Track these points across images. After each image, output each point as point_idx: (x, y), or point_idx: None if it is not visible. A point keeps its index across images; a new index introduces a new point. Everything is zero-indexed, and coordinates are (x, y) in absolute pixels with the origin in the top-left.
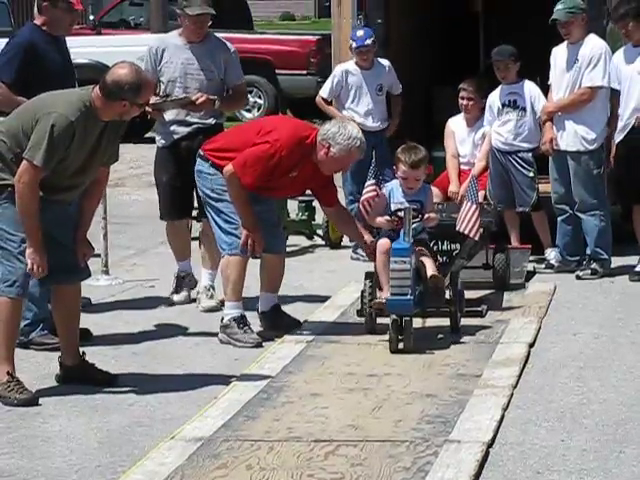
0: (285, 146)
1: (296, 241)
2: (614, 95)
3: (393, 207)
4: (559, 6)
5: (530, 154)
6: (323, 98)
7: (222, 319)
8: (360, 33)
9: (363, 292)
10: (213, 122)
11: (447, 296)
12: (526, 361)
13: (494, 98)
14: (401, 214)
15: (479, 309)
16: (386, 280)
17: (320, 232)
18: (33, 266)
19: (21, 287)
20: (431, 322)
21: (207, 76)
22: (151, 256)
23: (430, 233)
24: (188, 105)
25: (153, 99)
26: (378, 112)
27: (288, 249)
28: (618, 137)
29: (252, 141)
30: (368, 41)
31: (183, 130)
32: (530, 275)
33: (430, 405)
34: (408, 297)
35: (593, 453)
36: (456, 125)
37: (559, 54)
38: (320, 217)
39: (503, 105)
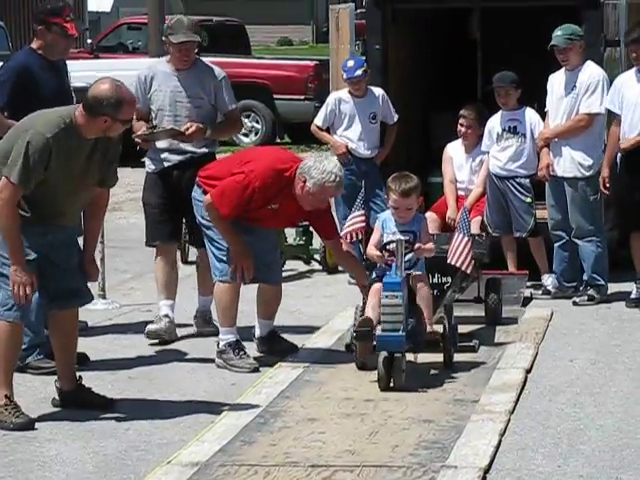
0: (259, 178)
1: (293, 266)
2: (615, 118)
3: (385, 239)
4: (558, 32)
5: (528, 180)
6: (318, 126)
7: (218, 344)
8: (350, 64)
9: (353, 326)
10: (206, 151)
11: (440, 330)
12: (523, 387)
13: (494, 124)
14: (392, 247)
15: (471, 344)
16: (374, 312)
17: (317, 257)
18: (15, 286)
19: (19, 311)
20: (423, 357)
21: (196, 104)
22: (148, 280)
23: None
24: (178, 136)
25: (141, 130)
26: (370, 140)
27: (285, 274)
28: (617, 160)
29: (231, 171)
30: (358, 72)
31: (175, 158)
32: (527, 301)
33: (427, 430)
34: (400, 333)
35: (590, 479)
36: (454, 151)
37: (556, 80)
38: (317, 242)
39: (503, 130)
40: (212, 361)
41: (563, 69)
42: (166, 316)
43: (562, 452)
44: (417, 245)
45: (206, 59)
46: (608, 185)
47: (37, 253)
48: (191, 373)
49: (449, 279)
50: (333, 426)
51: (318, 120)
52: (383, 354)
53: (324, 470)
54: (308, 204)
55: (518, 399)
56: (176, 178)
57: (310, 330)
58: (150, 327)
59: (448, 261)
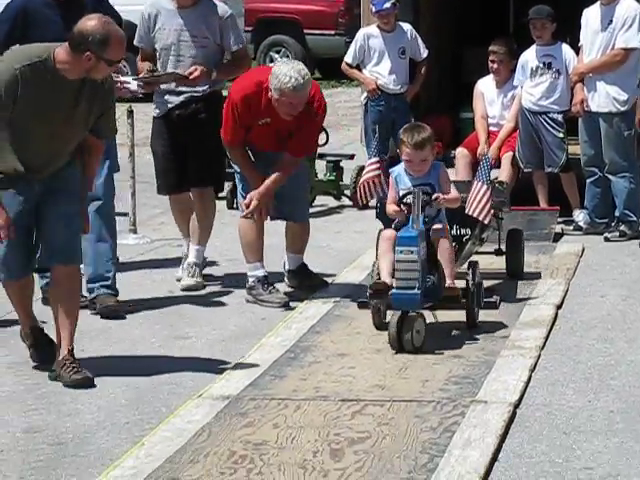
0: (237, 94)
1: (324, 201)
2: None
3: (401, 193)
4: None
5: (561, 115)
6: (348, 63)
7: (247, 281)
8: None
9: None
10: (208, 90)
11: (463, 286)
12: (554, 322)
13: (527, 58)
14: (409, 199)
15: (492, 300)
16: (387, 266)
17: (348, 193)
18: None
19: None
20: (444, 316)
21: (201, 43)
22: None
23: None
24: (181, 79)
25: (142, 73)
26: (400, 75)
27: (315, 209)
28: None
29: None
30: (387, 4)
31: (175, 99)
32: (558, 237)
33: (457, 366)
34: (415, 291)
35: (620, 414)
36: (485, 86)
37: (591, 15)
38: (348, 178)
39: (537, 66)
40: (242, 297)
41: (598, 3)
42: (194, 265)
43: (593, 387)
44: (435, 195)
45: None
46: None
47: (27, 204)
48: (222, 308)
49: (468, 230)
50: (363, 361)
51: (348, 57)
52: (397, 313)
53: (354, 404)
54: (282, 112)
55: (549, 335)
56: (177, 119)
57: (340, 265)
58: (183, 283)
59: (466, 211)
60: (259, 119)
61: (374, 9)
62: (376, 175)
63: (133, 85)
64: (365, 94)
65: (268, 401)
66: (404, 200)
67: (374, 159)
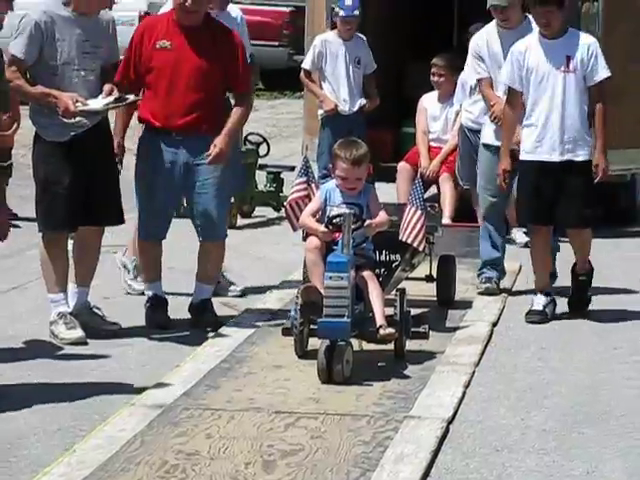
0: (134, 32)
1: (263, 212)
2: None
3: (329, 212)
4: None
5: None
6: (306, 70)
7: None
8: (348, 2)
9: (293, 309)
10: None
11: (392, 314)
12: (489, 340)
13: (467, 77)
14: (338, 221)
15: (421, 330)
16: (319, 274)
17: None
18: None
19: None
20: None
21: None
22: None
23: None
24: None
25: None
26: (356, 85)
27: (255, 220)
28: None
29: None
30: (356, 12)
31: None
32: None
33: (391, 381)
34: (345, 319)
35: (552, 433)
36: (429, 102)
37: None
38: (288, 189)
39: (476, 85)
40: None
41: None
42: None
43: (526, 405)
44: (367, 222)
45: None
46: None
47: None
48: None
49: (398, 256)
50: (298, 373)
51: (306, 64)
52: (325, 342)
53: (288, 416)
54: (185, 12)
55: (484, 352)
56: (83, 148)
57: (278, 277)
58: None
59: (400, 237)
60: (157, 42)
61: (342, 13)
62: (303, 196)
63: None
64: (322, 111)
65: (202, 411)
66: (333, 221)
67: (301, 179)
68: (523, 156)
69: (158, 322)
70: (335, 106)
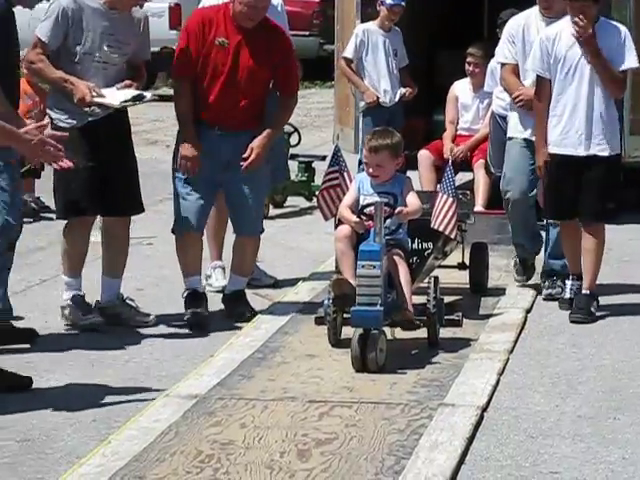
0: (189, 22)
1: (295, 202)
2: None
3: (362, 201)
4: None
5: None
6: (347, 59)
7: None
8: None
9: (326, 298)
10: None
11: (426, 302)
12: (523, 327)
13: (497, 64)
14: (370, 210)
15: (455, 317)
16: (349, 265)
17: None
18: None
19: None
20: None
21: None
22: (150, 213)
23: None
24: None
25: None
26: (395, 76)
27: (287, 210)
28: None
29: None
30: (403, 2)
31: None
32: None
33: (426, 369)
34: (378, 308)
35: (587, 419)
36: (460, 90)
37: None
38: (320, 179)
39: None
40: (217, 296)
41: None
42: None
43: (560, 392)
44: (398, 209)
45: None
46: None
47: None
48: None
49: (430, 244)
50: (331, 362)
51: (348, 53)
52: (358, 331)
53: (322, 405)
54: (244, 18)
55: (517, 339)
56: (101, 134)
57: (311, 266)
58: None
59: (432, 225)
60: (216, 40)
61: (390, 1)
62: (335, 185)
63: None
64: (363, 103)
65: (236, 401)
66: (365, 211)
67: (333, 168)
68: (550, 149)
69: (197, 321)
70: (377, 98)
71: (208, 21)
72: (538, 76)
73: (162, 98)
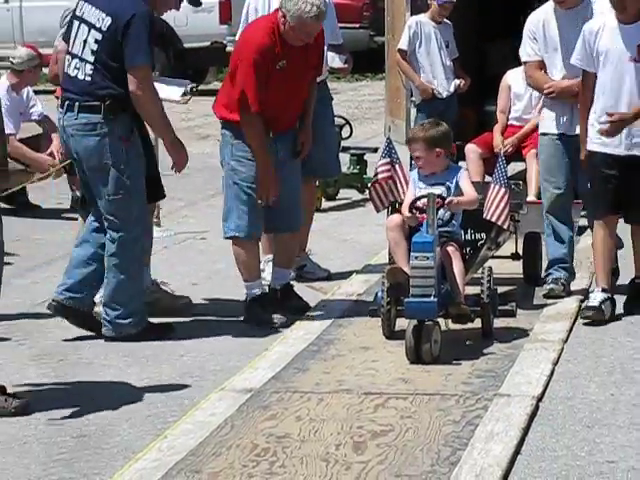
0: (252, 52)
1: (348, 194)
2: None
3: (416, 194)
4: None
5: None
6: (402, 50)
7: (245, 299)
8: None
9: (380, 290)
10: None
11: (479, 293)
12: (577, 316)
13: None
14: (422, 202)
15: (508, 308)
16: (403, 254)
17: None
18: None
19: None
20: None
21: None
22: (202, 208)
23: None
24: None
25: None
26: (449, 68)
27: (340, 202)
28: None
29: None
30: None
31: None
32: (582, 230)
33: (480, 359)
34: (432, 299)
35: None
36: (513, 79)
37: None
38: (372, 171)
39: None
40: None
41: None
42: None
43: (615, 381)
44: (448, 199)
45: None
46: None
47: None
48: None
49: (483, 235)
50: (386, 354)
51: (403, 44)
52: (412, 322)
53: (377, 397)
54: (296, 39)
55: (572, 328)
56: None
57: (364, 258)
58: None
59: (484, 216)
60: (276, 63)
61: None
62: (387, 177)
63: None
64: (418, 97)
65: (291, 394)
66: (417, 203)
67: (385, 160)
68: (590, 146)
69: (277, 320)
70: (432, 91)
71: (270, 49)
72: (583, 70)
73: (213, 93)
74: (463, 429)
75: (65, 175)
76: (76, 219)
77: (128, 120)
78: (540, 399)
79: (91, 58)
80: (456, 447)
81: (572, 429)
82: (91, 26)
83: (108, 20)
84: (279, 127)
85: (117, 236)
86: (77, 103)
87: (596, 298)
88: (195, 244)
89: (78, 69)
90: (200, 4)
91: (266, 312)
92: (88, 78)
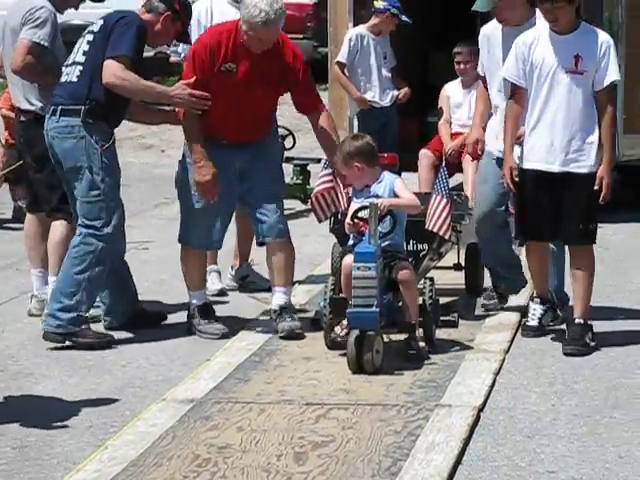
0: (197, 46)
1: (291, 205)
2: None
3: (355, 207)
4: None
5: None
6: (341, 63)
7: (188, 308)
8: None
9: (322, 300)
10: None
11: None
12: (518, 327)
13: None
14: (363, 213)
15: (450, 318)
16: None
17: None
18: None
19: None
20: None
21: None
22: (146, 218)
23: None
24: None
25: None
26: (387, 79)
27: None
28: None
29: None
30: (397, 4)
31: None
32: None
33: (422, 369)
34: (374, 309)
35: (583, 418)
36: (452, 90)
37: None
38: (315, 182)
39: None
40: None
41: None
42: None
43: (556, 391)
44: (379, 201)
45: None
46: None
47: None
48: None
49: (425, 246)
50: (328, 365)
51: (341, 57)
52: (354, 332)
53: (319, 408)
54: (252, 46)
55: (513, 339)
56: None
57: (307, 269)
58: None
59: (426, 226)
60: (223, 65)
61: (387, 5)
62: (329, 187)
63: None
64: (355, 108)
65: (232, 404)
66: (358, 214)
67: (327, 171)
68: (523, 164)
69: (218, 331)
70: (367, 102)
71: (217, 47)
72: (513, 84)
73: (157, 103)
74: (404, 439)
75: (6, 185)
76: (17, 229)
77: (107, 128)
78: (481, 409)
79: (82, 59)
80: (397, 457)
81: (513, 439)
82: (87, 32)
83: (101, 22)
84: (233, 136)
85: (85, 232)
86: (60, 107)
87: (535, 314)
88: (138, 254)
89: (68, 74)
90: (102, 0)
91: (209, 322)
92: (74, 79)
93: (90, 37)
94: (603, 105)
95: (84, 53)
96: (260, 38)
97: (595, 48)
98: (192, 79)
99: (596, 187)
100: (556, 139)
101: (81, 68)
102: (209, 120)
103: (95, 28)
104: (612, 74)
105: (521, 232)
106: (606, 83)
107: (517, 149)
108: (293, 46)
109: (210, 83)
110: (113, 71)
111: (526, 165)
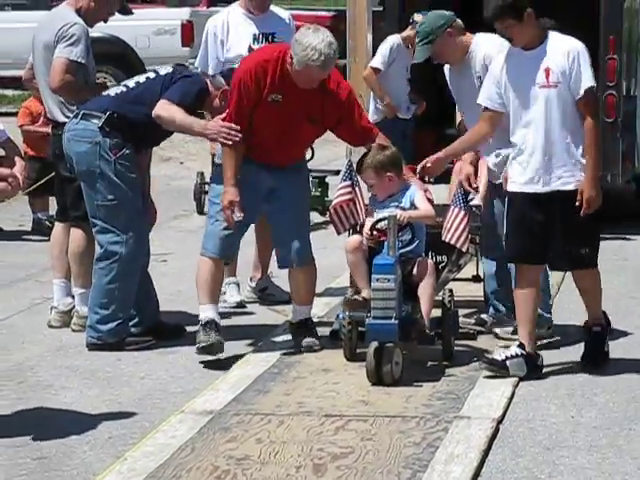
0: (244, 72)
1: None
2: None
3: (375, 217)
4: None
5: None
6: (377, 69)
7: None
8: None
9: (341, 312)
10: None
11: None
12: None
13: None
14: (382, 225)
15: (469, 330)
16: (362, 276)
17: None
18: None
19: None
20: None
21: None
22: (164, 230)
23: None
24: None
25: None
26: (406, 92)
27: None
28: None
29: None
30: None
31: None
32: None
33: (441, 381)
34: (392, 321)
35: (603, 430)
36: None
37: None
38: (333, 193)
39: None
40: (229, 314)
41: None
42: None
43: (575, 403)
44: (398, 214)
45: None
46: None
47: None
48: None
49: (444, 257)
50: (347, 377)
51: (376, 63)
52: (373, 344)
53: (338, 420)
54: (300, 82)
55: None
56: None
57: (325, 281)
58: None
59: (443, 238)
60: (269, 96)
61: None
62: (347, 200)
63: None
64: (377, 116)
65: (251, 416)
66: (377, 226)
67: (345, 182)
68: (509, 186)
69: (212, 348)
70: (395, 111)
71: (263, 74)
72: (485, 108)
73: None
74: (423, 451)
75: (26, 197)
76: (37, 241)
77: (121, 141)
78: (500, 421)
79: (131, 84)
80: (416, 469)
81: (532, 451)
82: (151, 70)
83: (170, 69)
84: (269, 159)
85: (104, 241)
86: (83, 111)
87: (505, 352)
88: (157, 266)
89: (109, 90)
90: (131, 13)
91: (209, 338)
92: (112, 94)
93: (152, 75)
94: (584, 115)
95: (137, 82)
96: (313, 78)
97: (563, 58)
98: (225, 115)
99: (577, 203)
100: (538, 159)
101: (124, 90)
102: (249, 144)
103: (161, 71)
104: (586, 80)
105: (512, 255)
106: (582, 91)
107: (492, 159)
108: (339, 78)
109: (254, 112)
110: (165, 107)
111: (515, 188)
